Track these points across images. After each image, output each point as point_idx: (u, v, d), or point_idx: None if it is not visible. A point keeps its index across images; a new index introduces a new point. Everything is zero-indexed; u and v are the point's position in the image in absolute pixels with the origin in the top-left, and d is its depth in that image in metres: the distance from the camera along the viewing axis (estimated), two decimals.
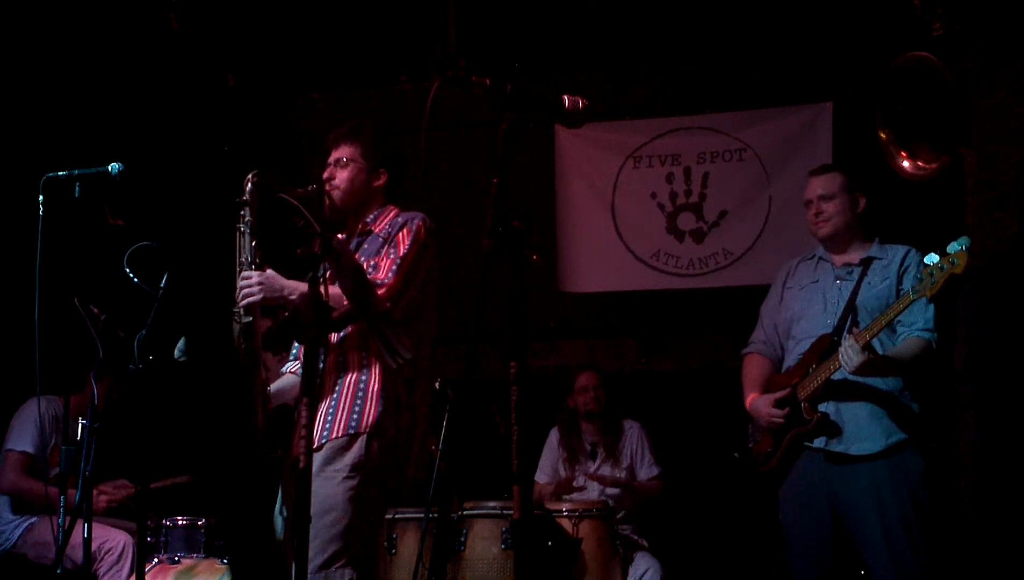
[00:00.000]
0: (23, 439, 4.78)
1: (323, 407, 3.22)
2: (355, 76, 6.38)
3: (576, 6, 5.80)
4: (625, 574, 4.67)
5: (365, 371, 3.24)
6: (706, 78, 6.17)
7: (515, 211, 2.30)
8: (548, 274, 6.16)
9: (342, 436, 3.18)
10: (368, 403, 3.21)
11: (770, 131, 5.99)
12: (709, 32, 5.91)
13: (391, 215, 3.43)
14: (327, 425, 3.19)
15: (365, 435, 3.18)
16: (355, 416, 3.19)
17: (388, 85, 6.37)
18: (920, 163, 3.92)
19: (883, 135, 4.04)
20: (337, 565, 3.10)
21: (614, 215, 6.19)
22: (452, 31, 5.65)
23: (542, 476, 5.41)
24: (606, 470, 5.32)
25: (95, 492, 4.17)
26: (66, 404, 4.70)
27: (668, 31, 5.94)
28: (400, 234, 3.32)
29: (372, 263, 3.29)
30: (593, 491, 5.26)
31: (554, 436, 5.49)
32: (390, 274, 3.23)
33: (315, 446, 3.13)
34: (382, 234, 3.36)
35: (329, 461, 3.16)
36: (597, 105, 2.87)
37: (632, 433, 5.41)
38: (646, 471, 5.34)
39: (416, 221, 3.36)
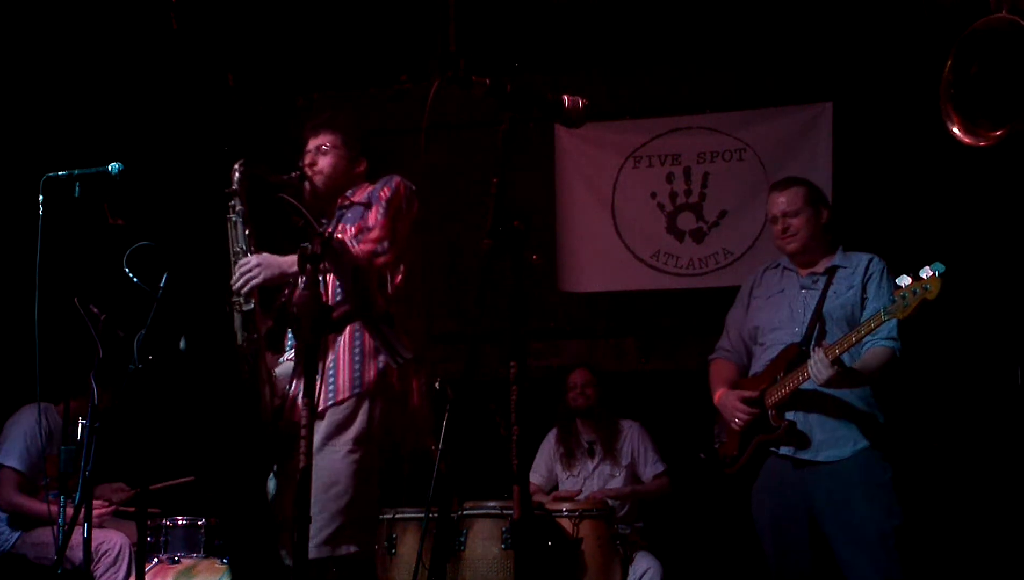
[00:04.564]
0: (11, 455, 4.75)
1: (321, 366, 3.20)
2: (355, 76, 6.38)
3: (576, 6, 5.80)
4: (625, 574, 4.67)
5: (359, 328, 3.25)
6: (706, 78, 6.17)
7: (515, 211, 2.30)
8: (548, 274, 6.16)
9: (348, 398, 3.18)
10: (367, 360, 3.22)
11: (770, 131, 5.99)
12: (709, 32, 5.91)
13: (371, 187, 3.47)
14: (331, 387, 3.20)
15: (367, 399, 3.20)
16: (356, 374, 3.20)
17: (388, 85, 6.37)
18: (981, 131, 3.76)
19: (947, 93, 3.80)
20: (342, 539, 3.14)
21: (614, 215, 6.19)
22: (452, 31, 5.66)
23: (536, 476, 5.43)
24: (605, 468, 5.33)
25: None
26: (66, 410, 4.69)
27: (668, 31, 5.94)
28: (382, 191, 3.36)
29: (364, 217, 3.31)
30: (593, 484, 5.28)
31: (552, 435, 5.51)
32: (377, 217, 3.27)
33: (319, 409, 3.15)
34: (362, 200, 3.40)
35: (332, 435, 3.18)
36: (597, 105, 2.87)
37: (632, 433, 5.42)
38: (651, 469, 5.35)
39: (394, 179, 3.40)
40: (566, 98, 2.46)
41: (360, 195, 3.43)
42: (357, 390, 3.20)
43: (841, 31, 5.72)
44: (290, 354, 3.50)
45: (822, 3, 5.65)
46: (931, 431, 5.18)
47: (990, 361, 5.24)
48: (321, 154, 3.44)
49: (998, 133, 3.63)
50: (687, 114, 6.14)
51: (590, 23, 5.89)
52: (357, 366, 3.22)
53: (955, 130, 3.73)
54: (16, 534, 4.71)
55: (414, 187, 3.42)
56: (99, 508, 4.65)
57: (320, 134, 3.47)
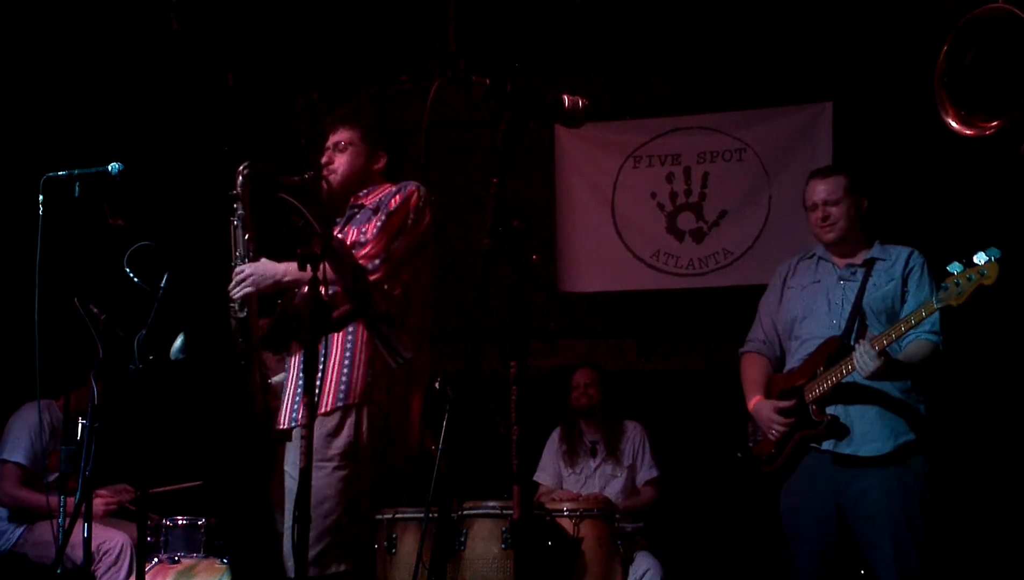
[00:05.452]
0: (16, 450, 4.77)
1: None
2: (355, 76, 6.38)
3: (576, 6, 5.81)
4: (625, 574, 4.66)
5: (351, 339, 3.20)
6: (706, 78, 6.17)
7: (515, 211, 2.30)
8: (548, 274, 6.16)
9: (331, 410, 3.13)
10: (355, 371, 3.17)
11: (770, 131, 5.99)
12: (709, 32, 5.92)
13: (385, 190, 3.40)
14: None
15: (354, 411, 3.15)
16: (343, 386, 3.14)
17: (388, 85, 6.37)
18: (977, 122, 3.73)
19: (941, 82, 3.76)
20: (331, 559, 3.10)
21: (614, 215, 6.20)
22: (452, 31, 5.67)
23: (545, 478, 5.43)
24: (607, 469, 5.33)
25: (93, 497, 4.15)
26: (66, 404, 4.69)
27: (668, 31, 5.95)
28: (392, 200, 3.30)
29: (363, 230, 3.25)
30: (595, 483, 5.28)
31: (556, 435, 5.51)
32: (374, 232, 3.20)
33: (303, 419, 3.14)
34: (372, 205, 3.34)
35: (319, 449, 3.11)
36: (597, 105, 2.87)
37: (635, 434, 5.42)
38: (644, 473, 5.35)
39: (409, 187, 3.34)
40: (566, 98, 2.46)
41: (372, 198, 3.37)
42: (341, 403, 3.15)
43: (841, 31, 5.73)
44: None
45: (822, 3, 5.65)
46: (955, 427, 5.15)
47: (999, 359, 5.22)
48: (339, 152, 3.39)
49: (995, 124, 3.61)
50: (687, 114, 6.15)
51: (590, 23, 5.90)
52: (345, 379, 3.16)
53: (951, 121, 3.72)
54: (19, 531, 4.71)
55: (431, 197, 3.35)
56: (103, 498, 4.66)
57: (339, 130, 3.41)
